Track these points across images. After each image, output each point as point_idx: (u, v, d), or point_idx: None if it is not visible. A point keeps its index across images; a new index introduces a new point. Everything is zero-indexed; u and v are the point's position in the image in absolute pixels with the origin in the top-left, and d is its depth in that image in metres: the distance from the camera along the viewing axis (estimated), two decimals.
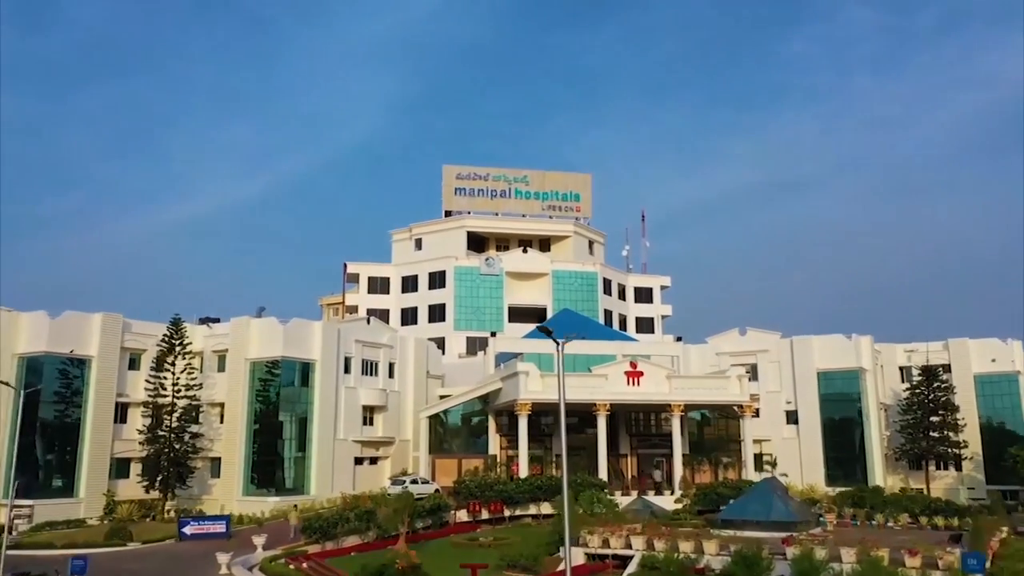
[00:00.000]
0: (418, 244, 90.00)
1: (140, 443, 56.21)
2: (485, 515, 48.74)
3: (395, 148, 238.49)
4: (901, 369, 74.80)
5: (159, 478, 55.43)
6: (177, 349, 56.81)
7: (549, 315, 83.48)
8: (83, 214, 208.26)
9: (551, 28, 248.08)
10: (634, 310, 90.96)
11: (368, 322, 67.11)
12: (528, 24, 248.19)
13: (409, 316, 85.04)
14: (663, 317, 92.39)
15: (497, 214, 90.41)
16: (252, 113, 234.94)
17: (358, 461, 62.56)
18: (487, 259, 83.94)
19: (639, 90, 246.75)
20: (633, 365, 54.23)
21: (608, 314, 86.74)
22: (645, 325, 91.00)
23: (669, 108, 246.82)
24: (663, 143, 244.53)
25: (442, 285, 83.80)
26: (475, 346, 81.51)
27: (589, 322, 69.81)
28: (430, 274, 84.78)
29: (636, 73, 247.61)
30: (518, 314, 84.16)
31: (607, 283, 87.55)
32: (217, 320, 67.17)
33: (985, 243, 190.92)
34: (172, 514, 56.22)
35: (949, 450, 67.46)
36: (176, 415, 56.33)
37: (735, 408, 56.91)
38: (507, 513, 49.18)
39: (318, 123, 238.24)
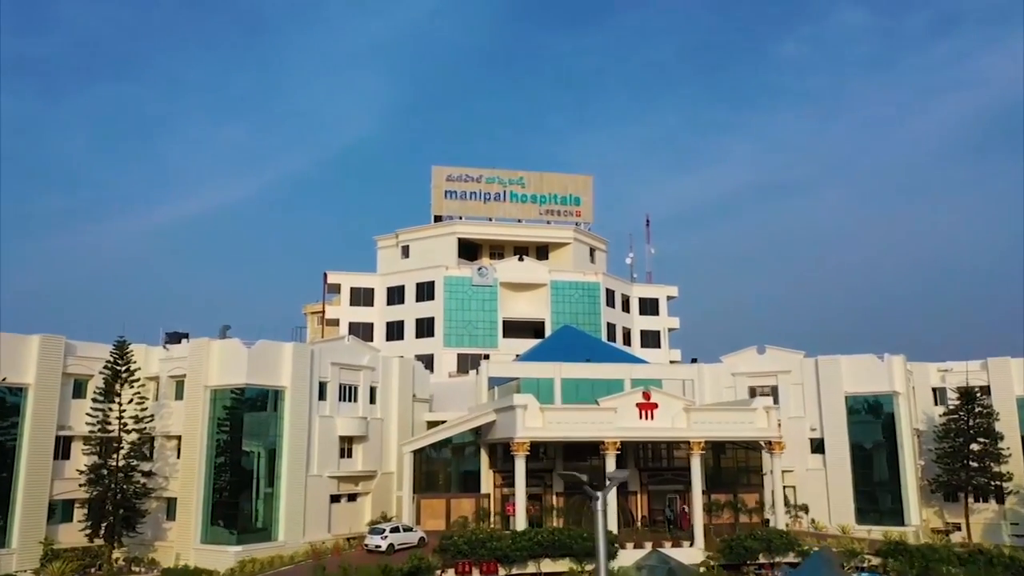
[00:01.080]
0: (405, 252, 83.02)
1: (81, 484, 49.14)
2: (476, 575, 41.89)
3: (389, 150, 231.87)
4: (934, 391, 68.11)
5: (104, 524, 48.43)
6: (123, 376, 49.74)
7: (548, 330, 76.73)
8: (74, 215, 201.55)
9: (546, 30, 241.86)
10: (639, 323, 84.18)
11: (346, 341, 60.03)
12: (523, 26, 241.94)
13: (395, 331, 78.07)
14: (670, 330, 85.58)
15: (491, 219, 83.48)
16: (246, 115, 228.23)
17: (334, 499, 55.53)
18: (480, 268, 77.08)
19: (634, 92, 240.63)
20: (646, 396, 47.41)
21: (611, 328, 79.95)
22: (651, 339, 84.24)
23: (664, 110, 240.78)
24: (659, 145, 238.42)
25: (431, 297, 76.86)
26: (467, 364, 74.67)
27: (592, 341, 63.04)
28: (418, 285, 77.83)
29: (631, 75, 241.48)
30: (514, 328, 77.38)
31: (610, 294, 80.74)
32: (186, 336, 60.42)
33: (988, 248, 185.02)
34: (121, 563, 49.36)
35: (990, 482, 60.79)
36: (123, 451, 49.36)
37: (762, 443, 50.14)
38: (502, 572, 42.31)
39: (311, 125, 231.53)
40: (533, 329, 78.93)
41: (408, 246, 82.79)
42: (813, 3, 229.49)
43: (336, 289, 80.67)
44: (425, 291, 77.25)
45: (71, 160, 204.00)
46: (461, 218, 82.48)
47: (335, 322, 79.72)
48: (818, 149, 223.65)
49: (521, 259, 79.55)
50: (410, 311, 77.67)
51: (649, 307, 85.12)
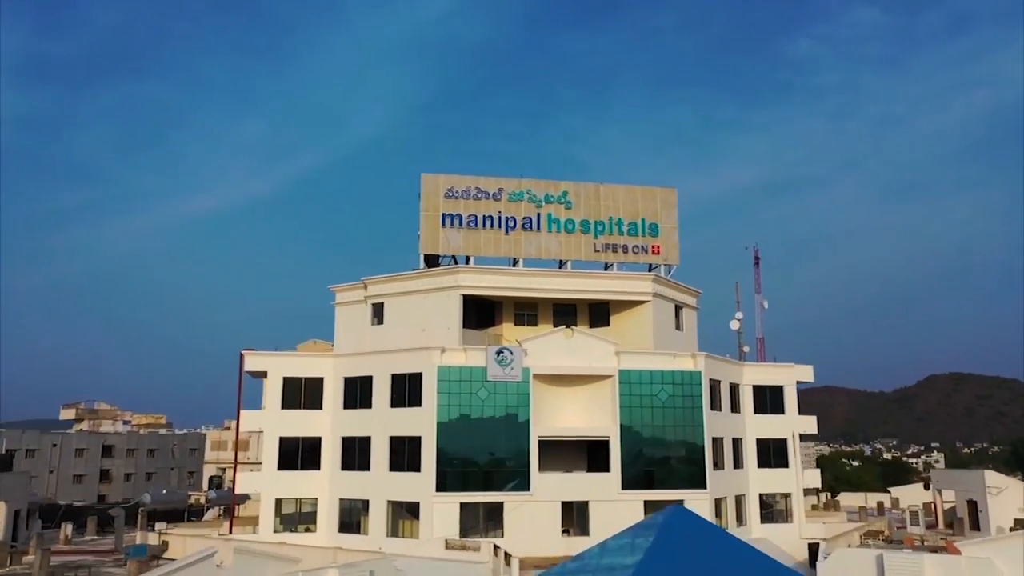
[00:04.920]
0: (377, 313, 51.28)
1: None
2: None
3: (403, 149, 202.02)
4: None
5: None
6: None
7: (614, 453, 44.94)
8: (77, 214, 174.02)
9: (561, 29, 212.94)
10: (753, 427, 52.08)
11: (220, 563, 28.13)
12: (538, 25, 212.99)
13: (355, 455, 46.32)
14: (801, 437, 53.42)
15: (516, 261, 51.53)
16: (258, 118, 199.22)
17: None
18: (499, 351, 45.06)
19: (647, 90, 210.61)
20: None
21: (717, 446, 48.01)
22: (773, 454, 52.19)
23: (677, 108, 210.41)
24: (672, 142, 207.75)
25: (415, 399, 45.00)
26: (477, 520, 43.08)
27: (727, 543, 31.02)
28: (394, 378, 46.02)
29: (644, 73, 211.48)
30: (557, 451, 45.75)
31: (713, 388, 48.68)
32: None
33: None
34: None
35: None
36: None
37: None
38: None
39: (324, 125, 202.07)
40: (588, 450, 47.31)
41: (382, 304, 51.01)
42: (826, 2, 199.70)
43: (263, 376, 49.01)
44: (407, 389, 45.44)
45: (86, 157, 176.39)
46: (468, 260, 50.64)
47: (256, 437, 48.19)
48: (832, 146, 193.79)
49: (570, 329, 47.54)
50: (381, 421, 45.91)
51: (769, 400, 52.99)
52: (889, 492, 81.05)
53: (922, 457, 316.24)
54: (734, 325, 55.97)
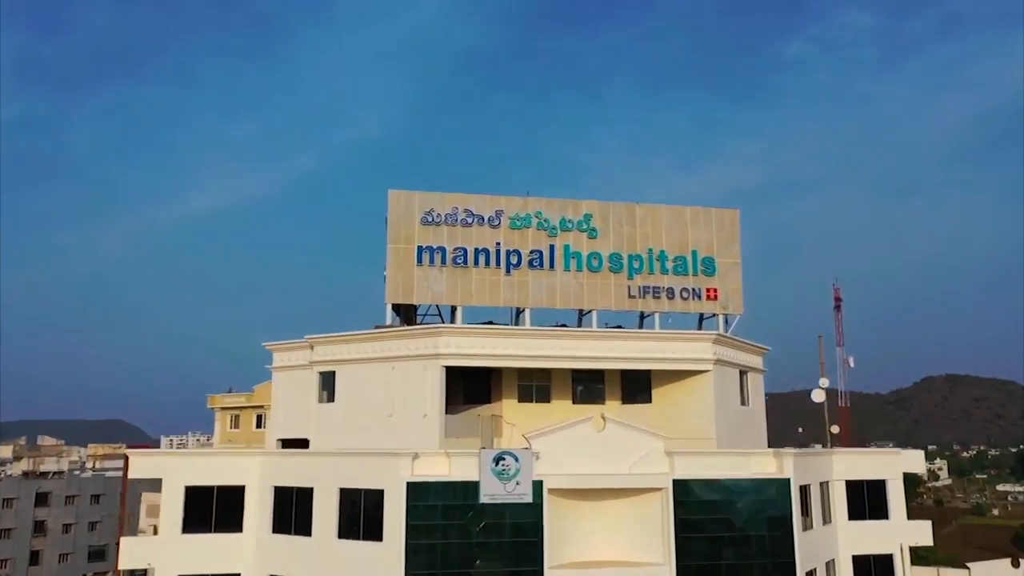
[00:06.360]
0: (327, 386, 36.69)
1: None
2: None
3: (401, 152, 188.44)
4: None
5: None
6: None
7: None
8: (78, 213, 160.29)
9: (556, 31, 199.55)
10: (848, 540, 37.52)
11: None
12: (534, 28, 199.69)
13: None
14: (911, 551, 38.88)
15: (521, 312, 36.95)
16: (255, 116, 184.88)
17: None
18: (498, 458, 30.40)
19: (642, 92, 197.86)
20: None
21: None
22: (876, 573, 37.71)
23: (671, 109, 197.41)
24: (666, 144, 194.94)
25: (375, 532, 30.33)
26: None
27: None
28: (344, 495, 31.35)
29: (639, 75, 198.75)
30: None
31: (803, 495, 34.15)
32: None
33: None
34: None
35: None
36: None
37: None
38: None
39: (321, 126, 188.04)
40: None
41: (333, 374, 36.40)
42: (819, 5, 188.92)
43: (155, 488, 34.26)
44: (362, 513, 30.82)
45: (82, 158, 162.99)
46: (455, 312, 36.06)
47: None
48: (825, 148, 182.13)
49: (601, 418, 32.93)
50: (325, 558, 31.26)
51: (868, 501, 38.44)
52: (968, 568, 67.06)
53: (924, 464, 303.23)
54: (818, 396, 41.32)
